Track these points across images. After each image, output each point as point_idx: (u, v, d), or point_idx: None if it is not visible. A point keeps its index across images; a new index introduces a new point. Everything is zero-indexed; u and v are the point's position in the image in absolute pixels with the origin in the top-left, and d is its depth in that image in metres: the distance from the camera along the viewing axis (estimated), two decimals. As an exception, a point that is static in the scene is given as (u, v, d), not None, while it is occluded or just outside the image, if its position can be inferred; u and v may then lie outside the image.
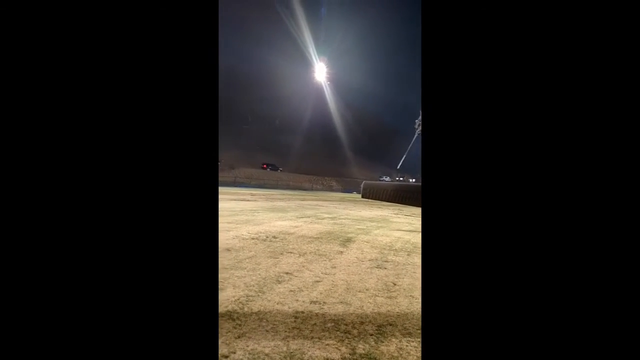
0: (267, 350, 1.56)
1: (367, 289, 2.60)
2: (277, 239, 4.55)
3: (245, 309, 2.03)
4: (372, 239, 5.23)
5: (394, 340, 1.76)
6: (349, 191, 46.04)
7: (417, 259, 3.89)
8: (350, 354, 1.56)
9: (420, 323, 1.96)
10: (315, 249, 4.09)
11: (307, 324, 1.88)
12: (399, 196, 18.73)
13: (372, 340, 1.74)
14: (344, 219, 8.26)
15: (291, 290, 2.44)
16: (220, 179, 38.19)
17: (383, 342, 1.73)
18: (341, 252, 4.02)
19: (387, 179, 47.89)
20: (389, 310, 2.17)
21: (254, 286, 2.48)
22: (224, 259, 3.24)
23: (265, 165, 49.03)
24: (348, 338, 1.74)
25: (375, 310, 2.15)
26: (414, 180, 46.67)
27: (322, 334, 1.77)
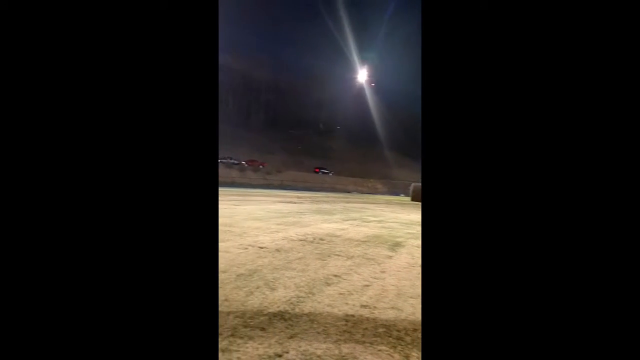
0: (319, 352, 1.56)
1: (419, 295, 2.50)
2: (324, 241, 4.58)
3: (297, 310, 2.07)
4: (422, 243, 5.03)
5: (451, 350, 1.66)
6: (396, 194, 44.92)
7: (473, 266, 3.65)
8: (404, 362, 1.51)
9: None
10: (363, 252, 4.04)
11: (358, 328, 1.85)
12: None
13: (427, 349, 1.67)
14: (392, 222, 8.06)
15: (340, 293, 2.43)
16: (267, 182, 39.56)
17: (439, 352, 1.64)
18: (390, 256, 3.93)
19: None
20: (444, 319, 2.06)
21: (303, 287, 2.52)
22: (274, 260, 3.34)
23: (317, 169, 50.03)
24: (401, 345, 1.68)
25: (429, 318, 2.06)
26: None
27: (374, 339, 1.74)
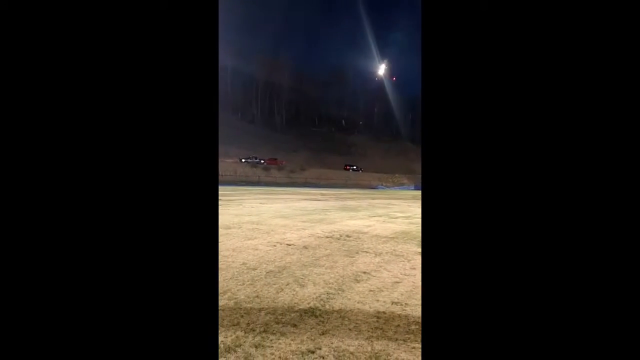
0: (351, 349, 1.55)
1: (452, 292, 2.43)
2: (351, 238, 4.55)
3: (327, 307, 2.07)
4: (452, 238, 4.90)
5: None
6: (420, 187, 43.95)
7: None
8: None
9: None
10: (392, 249, 3.98)
11: (390, 325, 1.83)
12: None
13: (463, 347, 1.62)
14: (420, 218, 7.90)
15: (371, 290, 2.41)
16: (291, 180, 39.92)
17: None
18: (419, 252, 3.84)
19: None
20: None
21: (333, 284, 2.51)
22: (302, 257, 3.36)
23: (347, 167, 49.99)
24: (436, 343, 1.64)
25: (464, 316, 2.00)
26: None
27: (407, 336, 1.71)
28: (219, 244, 3.87)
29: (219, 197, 12.42)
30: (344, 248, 3.87)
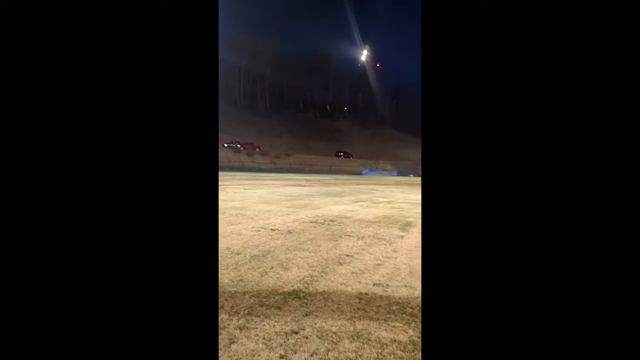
0: (334, 329, 1.59)
1: (431, 274, 2.51)
2: (335, 223, 4.60)
3: (311, 289, 2.10)
4: (433, 222, 5.03)
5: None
6: (403, 173, 44.65)
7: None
8: (417, 337, 1.53)
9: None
10: (374, 232, 4.05)
11: (371, 306, 1.88)
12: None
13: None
14: (402, 202, 8.05)
15: (353, 272, 2.46)
16: (276, 166, 39.62)
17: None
18: (401, 236, 3.94)
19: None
20: (457, 296, 2.08)
21: (316, 267, 2.55)
22: (286, 241, 3.38)
23: (338, 153, 49.81)
24: (415, 321, 1.70)
25: (442, 295, 2.08)
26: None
27: (388, 316, 1.76)
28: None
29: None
30: (327, 232, 3.91)
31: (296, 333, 1.54)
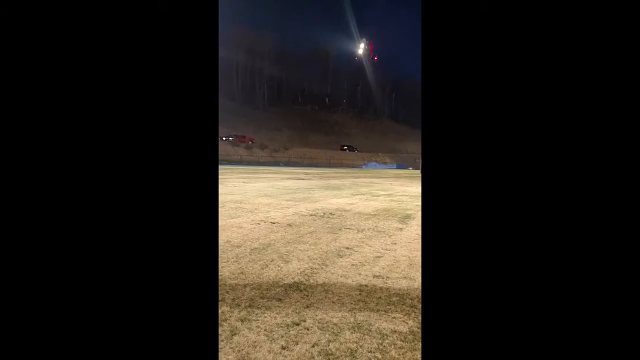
0: (335, 320, 1.61)
1: (431, 265, 2.53)
2: (334, 216, 4.61)
3: (311, 281, 2.11)
4: (432, 215, 5.04)
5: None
6: (403, 166, 44.65)
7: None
8: (417, 327, 1.55)
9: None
10: (374, 225, 4.07)
11: (372, 297, 1.89)
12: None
13: (440, 315, 1.70)
14: (401, 195, 8.06)
15: (353, 265, 2.47)
16: (275, 159, 39.57)
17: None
18: (401, 228, 3.95)
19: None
20: (456, 287, 2.09)
21: (316, 259, 2.56)
22: (286, 234, 3.39)
23: (344, 147, 49.74)
24: (415, 312, 1.72)
25: (442, 287, 2.10)
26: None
27: (388, 307, 1.78)
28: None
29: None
30: (327, 225, 3.93)
31: (297, 325, 1.56)
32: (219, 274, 2.19)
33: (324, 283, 2.09)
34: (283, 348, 1.36)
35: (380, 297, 1.90)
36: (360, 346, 1.39)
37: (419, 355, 1.34)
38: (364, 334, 1.49)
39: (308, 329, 1.52)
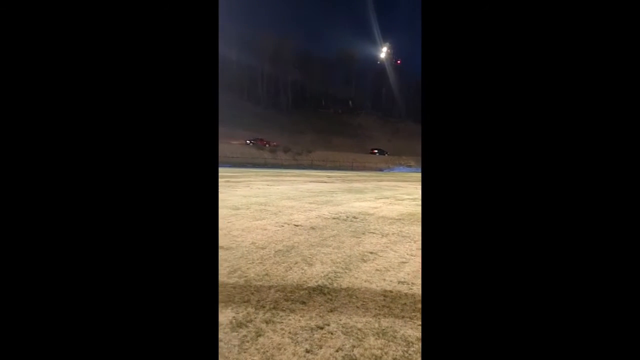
0: (359, 326, 1.59)
1: (458, 273, 2.45)
2: (358, 219, 4.58)
3: (335, 285, 2.11)
4: (459, 220, 4.90)
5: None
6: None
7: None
8: (445, 337, 1.50)
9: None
10: (398, 230, 4.00)
11: (396, 303, 1.86)
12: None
13: (469, 325, 1.65)
14: (426, 199, 7.88)
15: (377, 270, 2.44)
16: (297, 162, 39.91)
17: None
18: (426, 233, 3.86)
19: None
20: (486, 296, 2.02)
21: (340, 263, 2.55)
22: (310, 237, 3.40)
23: (374, 151, 49.86)
24: (442, 321, 1.67)
25: (470, 295, 2.03)
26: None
27: (413, 314, 1.74)
28: (229, 224, 3.93)
29: (227, 179, 12.41)
30: (350, 229, 3.90)
31: (321, 328, 1.56)
32: (245, 275, 2.24)
33: (347, 287, 2.08)
34: (307, 351, 1.36)
35: (405, 304, 1.86)
36: (385, 353, 1.37)
37: (446, 365, 1.30)
38: (389, 341, 1.47)
39: (332, 333, 1.51)
